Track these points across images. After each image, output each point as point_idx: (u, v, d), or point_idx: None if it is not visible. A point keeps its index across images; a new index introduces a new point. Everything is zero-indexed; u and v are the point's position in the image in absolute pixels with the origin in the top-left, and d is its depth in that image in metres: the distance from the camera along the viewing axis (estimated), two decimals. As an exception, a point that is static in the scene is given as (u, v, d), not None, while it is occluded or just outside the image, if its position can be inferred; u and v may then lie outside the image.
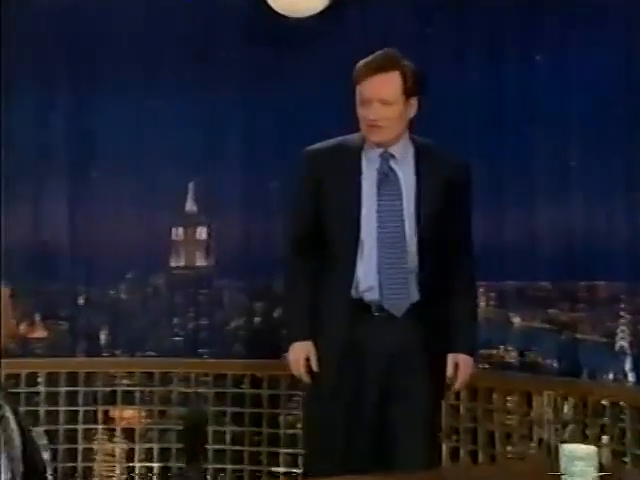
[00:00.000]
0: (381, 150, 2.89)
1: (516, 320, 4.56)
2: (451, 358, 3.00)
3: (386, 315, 2.91)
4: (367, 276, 2.87)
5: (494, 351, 4.58)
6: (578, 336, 4.29)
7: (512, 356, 4.55)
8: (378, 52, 2.86)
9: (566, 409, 4.15)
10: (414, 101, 2.88)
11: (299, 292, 2.99)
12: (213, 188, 5.05)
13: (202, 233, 5.07)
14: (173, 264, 5.07)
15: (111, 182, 4.89)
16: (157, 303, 5.08)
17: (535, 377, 4.41)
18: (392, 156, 2.91)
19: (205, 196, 5.06)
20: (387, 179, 2.85)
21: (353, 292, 2.91)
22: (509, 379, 4.47)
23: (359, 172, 2.87)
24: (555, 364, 4.38)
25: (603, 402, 4.07)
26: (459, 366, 3.02)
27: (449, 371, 2.99)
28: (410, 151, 2.94)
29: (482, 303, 4.48)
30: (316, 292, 2.96)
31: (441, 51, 4.49)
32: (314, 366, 2.99)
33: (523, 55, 4.40)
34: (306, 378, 3.02)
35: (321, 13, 4.40)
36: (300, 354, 2.99)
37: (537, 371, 4.43)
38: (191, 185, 5.10)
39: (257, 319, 5.02)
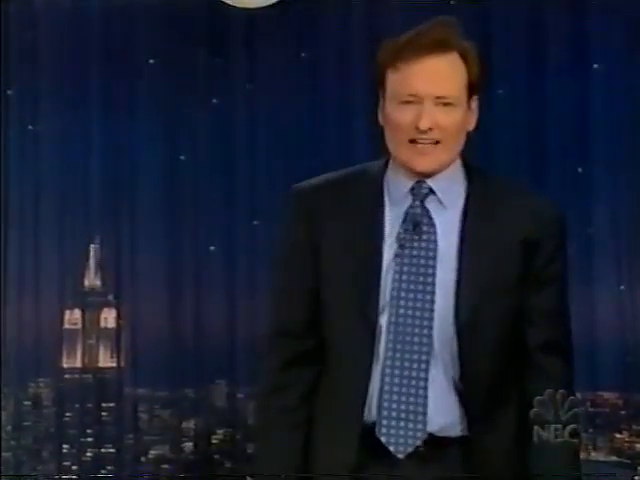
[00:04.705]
0: (413, 181, 2.33)
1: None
2: None
3: (388, 458, 2.24)
4: (372, 393, 2.31)
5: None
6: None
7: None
8: (432, 21, 2.31)
9: None
10: (475, 104, 2.34)
11: (282, 444, 2.32)
12: (125, 251, 4.63)
13: (109, 319, 4.72)
14: (65, 365, 4.71)
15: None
16: (38, 422, 4.69)
17: None
18: (431, 192, 2.34)
19: (114, 263, 4.68)
20: (417, 230, 2.33)
21: (367, 416, 2.32)
22: None
23: (380, 221, 2.33)
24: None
25: None
26: None
27: None
28: (460, 185, 2.37)
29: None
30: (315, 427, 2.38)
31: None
32: None
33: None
34: None
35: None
36: None
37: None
38: (94, 247, 4.70)
39: (188, 445, 4.67)
